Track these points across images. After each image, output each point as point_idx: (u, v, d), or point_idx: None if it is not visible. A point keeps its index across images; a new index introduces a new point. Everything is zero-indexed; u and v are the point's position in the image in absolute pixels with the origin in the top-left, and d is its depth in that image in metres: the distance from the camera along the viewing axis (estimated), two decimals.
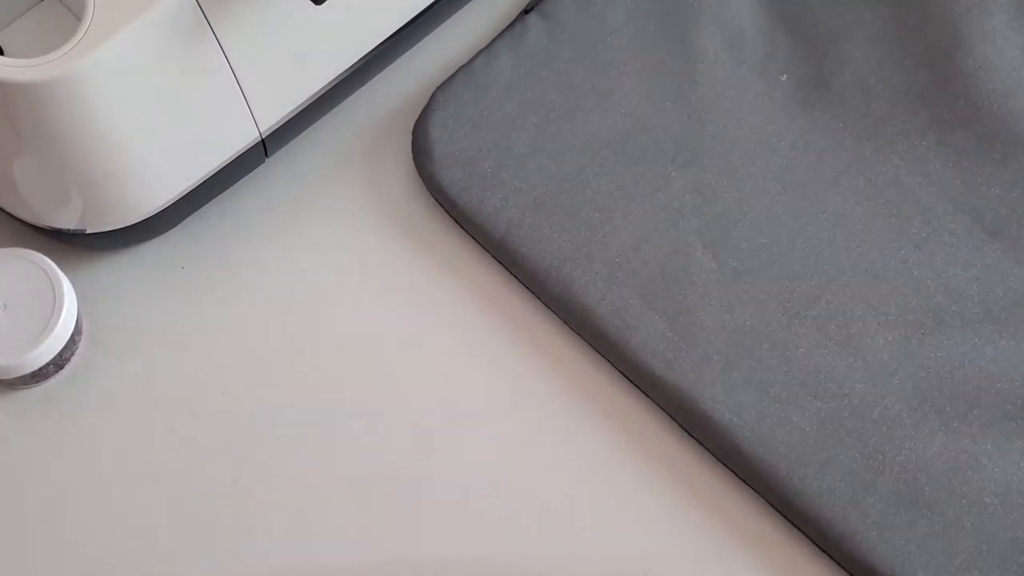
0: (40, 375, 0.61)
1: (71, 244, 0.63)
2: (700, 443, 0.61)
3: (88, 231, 0.60)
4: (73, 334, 0.61)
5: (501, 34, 0.68)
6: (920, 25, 0.67)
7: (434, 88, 0.67)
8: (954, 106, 0.66)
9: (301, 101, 0.62)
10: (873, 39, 0.68)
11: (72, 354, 0.62)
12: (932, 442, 0.59)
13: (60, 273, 0.60)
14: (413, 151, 0.66)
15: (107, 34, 0.52)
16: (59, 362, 0.61)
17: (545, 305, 0.64)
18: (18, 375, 0.60)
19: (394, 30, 0.64)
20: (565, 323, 0.63)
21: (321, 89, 0.63)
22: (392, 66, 0.68)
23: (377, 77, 0.68)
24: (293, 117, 0.63)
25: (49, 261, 0.60)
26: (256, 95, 0.59)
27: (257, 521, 0.60)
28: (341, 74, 0.63)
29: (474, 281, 0.65)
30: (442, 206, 0.65)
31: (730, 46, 0.68)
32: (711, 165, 0.65)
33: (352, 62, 0.63)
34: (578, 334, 0.63)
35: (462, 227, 0.65)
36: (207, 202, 0.64)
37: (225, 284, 0.65)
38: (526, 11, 0.69)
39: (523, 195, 0.64)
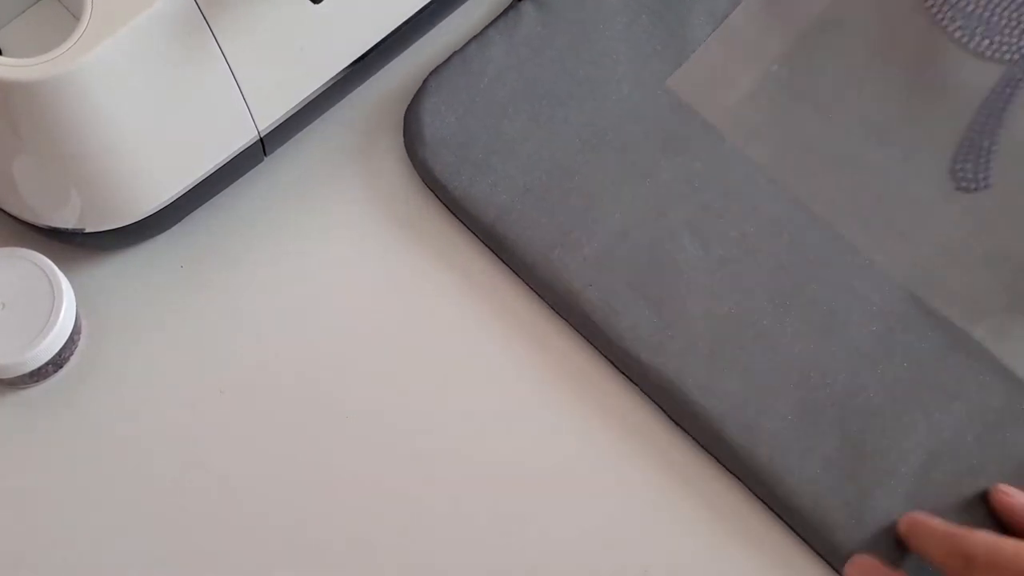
0: (39, 374, 0.61)
1: (70, 243, 0.63)
2: (685, 430, 0.61)
3: (87, 230, 0.61)
4: (72, 333, 0.61)
5: (495, 21, 0.69)
6: (913, 12, 0.68)
7: (427, 74, 0.67)
8: (945, 100, 0.66)
9: (299, 100, 0.62)
10: (865, 29, 0.68)
11: (71, 353, 0.62)
12: (913, 433, 0.60)
13: (59, 272, 0.60)
14: (404, 137, 0.66)
15: (105, 33, 0.52)
16: (58, 361, 0.61)
17: (534, 291, 0.64)
18: (17, 374, 0.60)
19: (392, 28, 0.64)
20: (553, 309, 0.64)
21: (319, 88, 0.63)
22: (398, 52, 0.69)
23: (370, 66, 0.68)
24: (292, 116, 0.63)
25: (48, 260, 0.60)
26: (254, 94, 0.59)
27: (256, 520, 0.60)
28: (339, 73, 0.63)
29: (465, 268, 0.65)
30: (433, 192, 0.66)
31: (723, 38, 0.68)
32: (701, 154, 0.66)
33: (350, 61, 0.63)
34: (566, 320, 0.63)
35: (453, 213, 0.66)
36: (206, 201, 0.64)
37: (224, 283, 0.65)
38: None
39: (513, 181, 0.65)
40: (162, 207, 0.61)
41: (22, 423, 0.62)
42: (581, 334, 0.63)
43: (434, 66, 0.68)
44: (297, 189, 0.67)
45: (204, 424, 0.62)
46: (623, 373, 0.63)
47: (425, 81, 0.67)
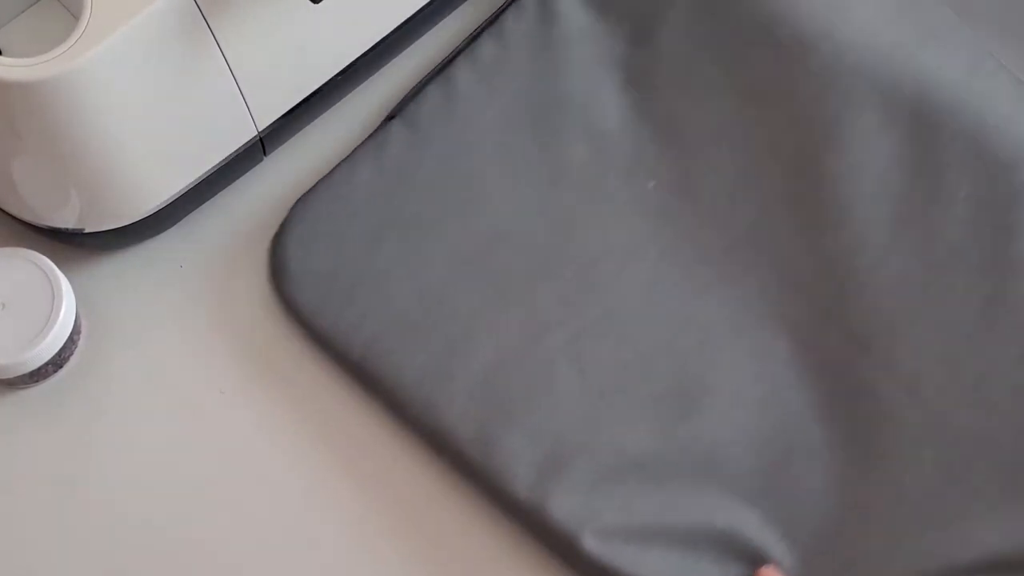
0: (39, 374, 0.61)
1: (70, 243, 0.63)
2: (571, 566, 0.58)
3: (86, 230, 0.61)
4: (72, 333, 0.61)
5: (363, 143, 0.65)
6: (789, 127, 0.64)
7: (295, 200, 0.65)
8: (823, 211, 0.62)
9: (299, 99, 0.62)
10: (741, 143, 0.64)
11: (71, 353, 0.62)
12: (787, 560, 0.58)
13: (59, 273, 0.60)
14: (270, 270, 0.64)
15: (105, 33, 0.52)
16: (58, 362, 0.61)
17: (406, 426, 0.61)
18: (17, 374, 0.60)
19: (392, 27, 0.64)
20: (427, 445, 0.60)
21: (319, 87, 0.63)
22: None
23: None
24: (292, 115, 0.63)
25: (48, 261, 0.60)
26: (254, 93, 0.59)
27: (255, 519, 0.60)
28: (340, 72, 0.63)
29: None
30: (300, 326, 0.63)
31: (597, 153, 0.65)
32: (575, 278, 0.62)
33: (351, 60, 0.63)
34: (440, 456, 0.60)
35: (321, 348, 0.63)
36: (206, 201, 0.64)
37: (224, 283, 0.65)
38: (390, 117, 0.66)
39: (382, 312, 0.62)
40: (162, 207, 0.61)
41: (22, 423, 0.61)
42: (457, 469, 0.60)
43: (305, 189, 0.65)
44: (296, 190, 0.67)
45: (203, 423, 0.62)
46: (501, 509, 0.59)
47: (292, 209, 0.64)
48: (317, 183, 0.65)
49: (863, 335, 0.60)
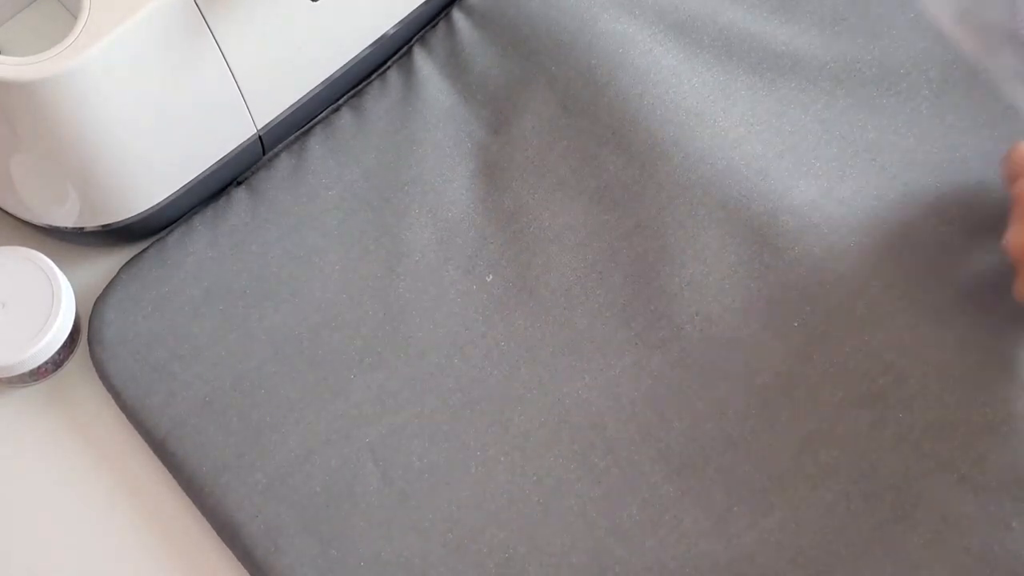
0: (38, 373, 0.61)
1: (70, 242, 0.63)
2: None
3: (86, 229, 0.61)
4: (72, 333, 0.61)
5: (203, 206, 0.63)
6: (631, 234, 0.62)
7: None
8: (654, 326, 0.60)
9: (299, 97, 0.62)
10: (584, 245, 0.62)
11: (71, 353, 0.62)
12: None
13: (58, 271, 0.60)
14: (88, 334, 0.62)
15: (103, 32, 0.52)
16: (57, 360, 0.61)
17: (203, 515, 0.59)
18: (16, 373, 0.60)
19: (391, 27, 0.64)
20: (219, 537, 0.58)
21: (319, 85, 0.63)
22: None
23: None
24: (291, 113, 0.63)
25: (47, 259, 0.60)
26: (253, 92, 0.59)
27: None
28: (338, 70, 0.63)
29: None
30: (111, 396, 0.61)
31: (440, 240, 0.63)
32: (398, 370, 0.60)
33: (349, 58, 0.63)
34: (231, 549, 0.58)
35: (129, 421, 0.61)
36: (205, 199, 0.64)
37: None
38: (238, 183, 0.64)
39: (193, 391, 0.59)
40: (161, 205, 0.61)
41: (21, 423, 0.61)
42: (244, 566, 0.58)
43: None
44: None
45: None
46: None
47: (118, 272, 0.62)
48: (149, 246, 0.63)
49: (678, 460, 0.58)
